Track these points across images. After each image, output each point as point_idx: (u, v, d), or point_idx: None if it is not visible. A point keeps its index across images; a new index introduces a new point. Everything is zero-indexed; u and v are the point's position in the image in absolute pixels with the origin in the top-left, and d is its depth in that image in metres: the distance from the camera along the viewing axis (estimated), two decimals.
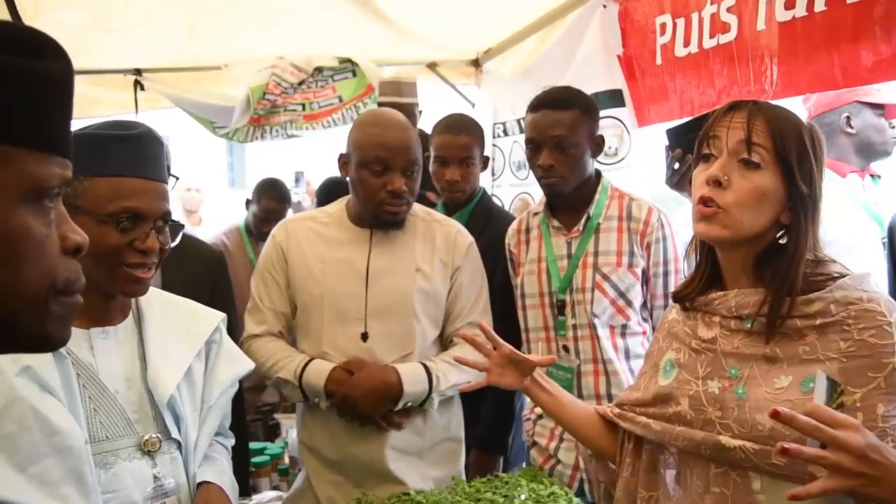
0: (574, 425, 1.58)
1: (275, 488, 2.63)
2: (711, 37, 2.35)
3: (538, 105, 2.09)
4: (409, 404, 1.97)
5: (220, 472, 1.51)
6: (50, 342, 0.69)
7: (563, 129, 2.04)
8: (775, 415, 0.99)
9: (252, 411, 3.33)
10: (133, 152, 1.34)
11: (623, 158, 2.81)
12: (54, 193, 0.67)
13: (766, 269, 1.30)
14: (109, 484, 1.32)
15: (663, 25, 2.55)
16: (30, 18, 2.99)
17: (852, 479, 0.98)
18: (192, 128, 4.07)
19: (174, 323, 1.50)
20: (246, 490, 2.45)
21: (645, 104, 2.74)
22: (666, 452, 1.43)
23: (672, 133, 2.48)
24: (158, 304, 1.51)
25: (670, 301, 1.67)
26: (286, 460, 2.78)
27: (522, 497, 1.85)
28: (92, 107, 3.60)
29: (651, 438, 1.42)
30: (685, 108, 2.52)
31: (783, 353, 1.25)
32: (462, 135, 2.53)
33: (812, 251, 1.28)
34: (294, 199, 5.29)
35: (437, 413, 2.05)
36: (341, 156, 2.03)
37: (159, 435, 1.41)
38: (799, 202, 1.25)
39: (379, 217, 1.98)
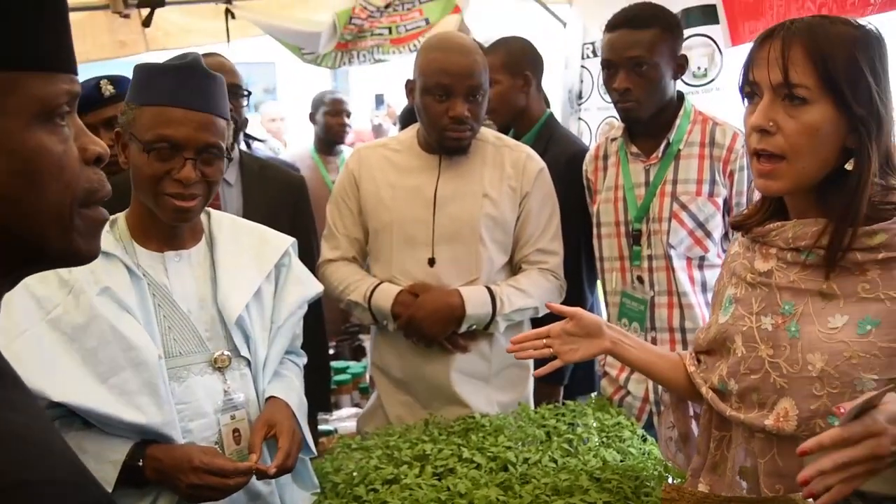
0: (663, 376, 1.50)
1: (355, 405, 2.76)
2: None
3: (615, 24, 2.00)
4: (474, 327, 2.00)
5: (289, 389, 1.58)
6: (79, 256, 0.71)
7: (641, 49, 1.94)
8: (802, 453, 0.95)
9: (339, 333, 3.47)
10: (176, 83, 1.37)
11: (713, 80, 2.65)
12: (65, 111, 0.67)
13: (830, 197, 1.19)
14: (182, 396, 1.42)
15: None
16: None
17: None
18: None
19: (245, 247, 1.57)
20: (327, 406, 2.57)
21: (739, 20, 2.55)
22: None
23: None
24: (230, 228, 1.58)
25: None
26: (367, 380, 2.90)
27: (586, 425, 1.87)
28: (185, 37, 3.69)
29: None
30: None
31: (841, 289, 1.17)
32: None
33: (881, 176, 1.16)
34: (375, 122, 5.35)
35: (503, 338, 2.06)
36: (408, 82, 2.02)
37: (229, 353, 1.49)
38: (860, 125, 1.13)
39: (443, 143, 1.98)
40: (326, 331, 2.39)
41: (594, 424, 1.79)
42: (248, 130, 3.47)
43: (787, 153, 1.16)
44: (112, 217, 1.48)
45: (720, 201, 1.99)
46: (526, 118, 2.56)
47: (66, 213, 0.67)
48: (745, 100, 1.23)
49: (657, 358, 1.50)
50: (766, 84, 1.17)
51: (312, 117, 4.10)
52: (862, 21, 1.19)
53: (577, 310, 1.49)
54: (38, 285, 1.35)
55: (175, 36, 3.69)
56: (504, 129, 2.55)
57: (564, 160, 2.32)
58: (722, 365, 1.33)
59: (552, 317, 2.13)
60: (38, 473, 0.56)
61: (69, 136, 0.68)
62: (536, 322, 2.17)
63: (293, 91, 7.14)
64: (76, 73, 0.69)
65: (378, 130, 5.23)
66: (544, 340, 1.49)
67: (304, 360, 1.76)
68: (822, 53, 1.12)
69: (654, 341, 2.04)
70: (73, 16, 3.29)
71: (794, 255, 1.23)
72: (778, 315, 1.23)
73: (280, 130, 5.71)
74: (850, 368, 1.14)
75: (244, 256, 1.55)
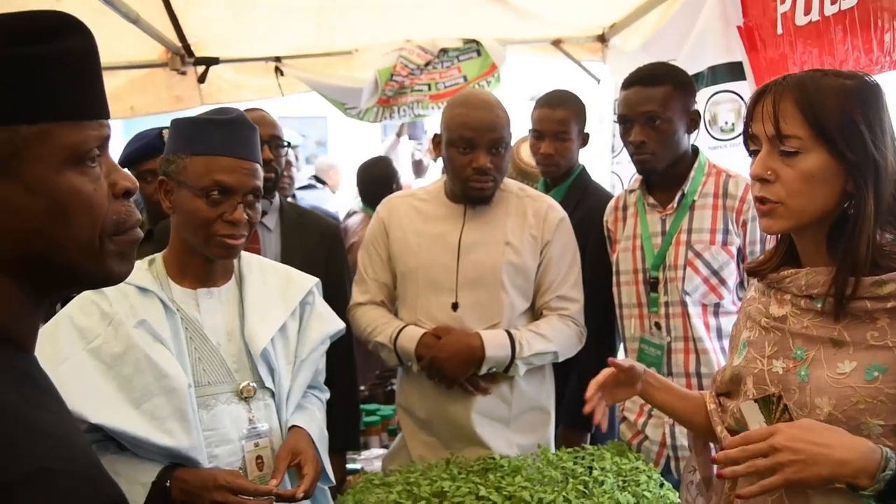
0: (685, 418, 1.55)
1: (384, 447, 2.82)
2: (833, 2, 2.22)
3: (630, 82, 2.10)
4: (494, 369, 2.06)
5: (311, 420, 1.68)
6: (112, 278, 0.77)
7: (654, 104, 2.03)
8: (713, 461, 1.09)
9: (374, 377, 3.55)
10: (224, 135, 1.51)
11: (740, 134, 2.70)
12: (95, 154, 0.72)
13: (837, 244, 1.24)
14: (210, 423, 1.53)
15: None
16: (182, 14, 3.34)
17: (784, 474, 1.09)
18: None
19: (271, 285, 1.68)
20: (357, 445, 2.64)
21: (765, 76, 2.62)
22: None
23: None
24: (258, 268, 1.70)
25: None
26: (396, 422, 2.96)
27: (603, 468, 1.89)
28: (237, 92, 3.92)
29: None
30: None
31: (851, 336, 1.21)
32: (559, 109, 2.58)
33: (893, 225, 1.20)
34: (416, 156, 5.52)
35: (524, 382, 2.12)
36: (434, 136, 2.14)
37: (255, 384, 1.60)
38: (856, 171, 1.18)
39: (466, 193, 2.08)
40: (361, 374, 2.47)
41: (612, 468, 1.82)
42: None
43: (784, 200, 1.22)
44: (150, 257, 1.62)
45: (734, 250, 2.03)
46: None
47: (96, 243, 0.74)
48: (750, 154, 1.29)
49: (679, 399, 1.55)
50: (763, 136, 1.23)
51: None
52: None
53: (634, 363, 1.54)
54: (82, 317, 1.48)
55: (228, 91, 3.92)
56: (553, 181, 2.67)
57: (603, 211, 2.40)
58: (734, 406, 1.37)
59: (571, 360, 2.20)
60: (56, 463, 0.63)
61: (99, 175, 0.74)
62: (556, 366, 2.23)
63: (344, 143, 7.42)
64: (107, 118, 0.75)
65: (418, 166, 5.42)
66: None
67: (326, 394, 1.85)
68: (812, 105, 1.18)
69: None
70: (134, 72, 3.54)
71: (807, 302, 1.27)
72: (790, 359, 1.27)
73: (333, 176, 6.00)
74: (857, 413, 1.18)
75: (271, 294, 1.67)
